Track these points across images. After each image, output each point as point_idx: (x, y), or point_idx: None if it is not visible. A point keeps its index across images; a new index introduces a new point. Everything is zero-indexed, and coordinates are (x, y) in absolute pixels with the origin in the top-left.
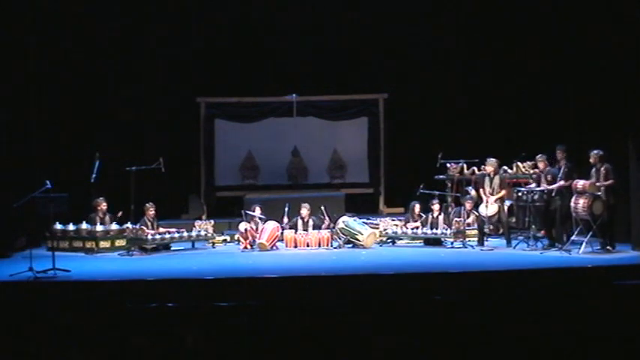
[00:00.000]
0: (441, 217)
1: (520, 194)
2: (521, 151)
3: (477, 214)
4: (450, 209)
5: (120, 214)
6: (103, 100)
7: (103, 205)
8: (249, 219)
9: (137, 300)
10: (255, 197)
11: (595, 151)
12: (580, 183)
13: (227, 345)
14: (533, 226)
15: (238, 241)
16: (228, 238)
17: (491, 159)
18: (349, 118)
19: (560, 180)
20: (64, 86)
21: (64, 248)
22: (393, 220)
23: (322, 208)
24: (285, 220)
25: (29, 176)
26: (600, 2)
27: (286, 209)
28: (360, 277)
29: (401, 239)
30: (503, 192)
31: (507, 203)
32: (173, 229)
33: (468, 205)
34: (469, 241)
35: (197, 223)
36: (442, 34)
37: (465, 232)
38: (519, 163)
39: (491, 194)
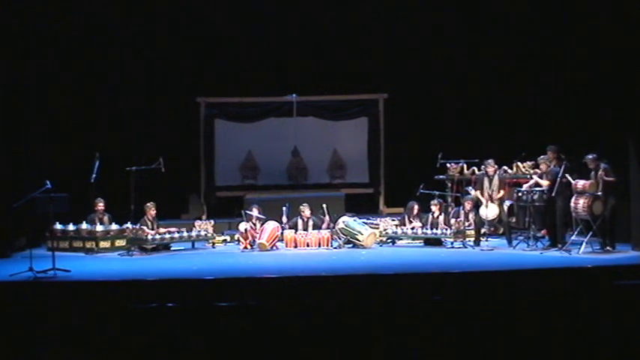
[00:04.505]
0: (441, 217)
1: (520, 194)
2: (521, 151)
3: (476, 215)
4: (450, 209)
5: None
6: (103, 100)
7: (100, 206)
8: (249, 219)
9: (137, 300)
10: (255, 197)
11: (590, 156)
12: (580, 183)
13: (227, 345)
14: (533, 226)
15: (238, 241)
16: (228, 238)
17: (490, 160)
18: (349, 118)
19: (558, 179)
20: (64, 86)
21: (64, 248)
22: (393, 220)
23: (324, 206)
24: (285, 220)
25: (29, 176)
26: (600, 2)
27: (286, 209)
28: (360, 277)
29: (401, 239)
30: (502, 192)
31: (507, 203)
32: (173, 229)
33: (468, 205)
34: (469, 241)
35: (197, 223)
36: (442, 33)
37: (465, 232)
38: (519, 163)
39: (491, 195)
